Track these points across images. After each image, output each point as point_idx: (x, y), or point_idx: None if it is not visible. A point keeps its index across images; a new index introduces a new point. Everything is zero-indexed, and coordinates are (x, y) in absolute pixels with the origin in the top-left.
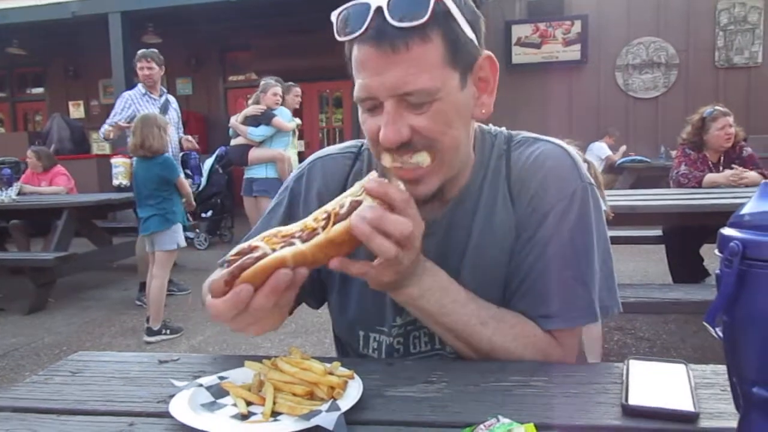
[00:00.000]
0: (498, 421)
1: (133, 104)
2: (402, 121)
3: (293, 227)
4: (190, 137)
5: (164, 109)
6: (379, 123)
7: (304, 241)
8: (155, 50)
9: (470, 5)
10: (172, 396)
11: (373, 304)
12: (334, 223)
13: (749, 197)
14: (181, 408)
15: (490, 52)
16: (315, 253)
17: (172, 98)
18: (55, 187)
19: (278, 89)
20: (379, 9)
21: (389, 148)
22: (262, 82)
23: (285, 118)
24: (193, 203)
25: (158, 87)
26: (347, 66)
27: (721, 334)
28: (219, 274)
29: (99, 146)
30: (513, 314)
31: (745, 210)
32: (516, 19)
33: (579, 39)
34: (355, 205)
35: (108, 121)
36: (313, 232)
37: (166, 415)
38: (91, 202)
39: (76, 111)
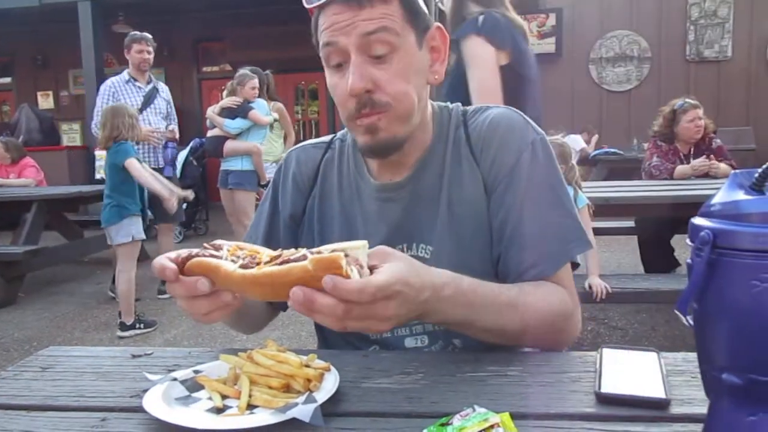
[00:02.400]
0: (474, 410)
1: (117, 93)
2: (366, 69)
3: (264, 251)
4: (173, 127)
5: (149, 97)
6: (346, 79)
7: (241, 267)
8: (147, 34)
9: None
10: (145, 390)
11: None
12: (274, 264)
13: (719, 188)
14: (154, 402)
15: (439, 24)
16: (239, 283)
17: (163, 86)
18: (24, 179)
19: (256, 81)
20: None
21: (356, 95)
22: (239, 73)
23: (262, 111)
24: (169, 197)
25: (147, 74)
26: (313, 36)
27: (691, 322)
28: None
29: (69, 138)
30: (522, 291)
31: (715, 200)
32: None
33: (554, 32)
34: (299, 258)
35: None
36: (255, 263)
37: (140, 409)
38: (62, 195)
39: (45, 102)
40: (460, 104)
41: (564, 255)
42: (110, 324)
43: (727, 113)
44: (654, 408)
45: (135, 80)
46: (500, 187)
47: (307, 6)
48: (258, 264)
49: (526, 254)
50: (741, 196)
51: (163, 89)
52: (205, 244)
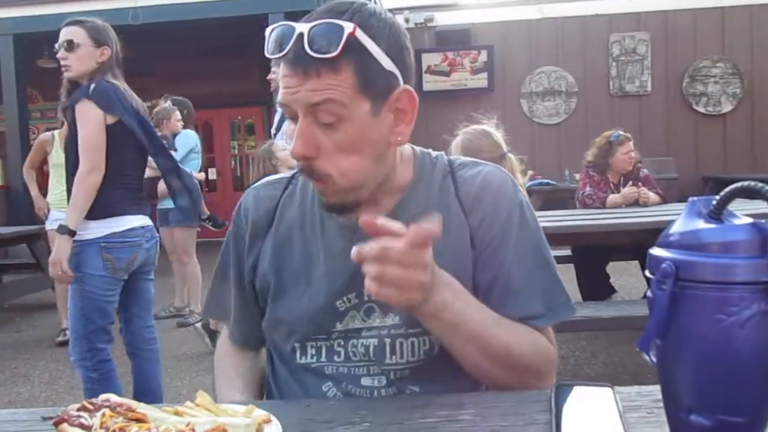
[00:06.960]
0: None
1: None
2: (311, 135)
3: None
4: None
5: (280, 122)
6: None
7: None
8: None
9: (395, 39)
10: None
11: (310, 315)
12: None
13: (652, 216)
14: None
15: (409, 87)
16: None
17: None
18: None
19: (178, 113)
20: (300, 35)
21: (297, 159)
22: (156, 110)
23: (191, 141)
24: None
25: None
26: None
27: (654, 359)
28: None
29: None
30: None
31: (674, 229)
32: (425, 48)
33: (485, 68)
34: None
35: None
36: None
37: None
38: None
39: None
40: (443, 153)
41: (550, 317)
42: (30, 376)
43: (649, 144)
44: None
45: None
46: (492, 244)
47: (267, 56)
48: None
49: (514, 313)
50: (701, 225)
51: None
52: (85, 403)
